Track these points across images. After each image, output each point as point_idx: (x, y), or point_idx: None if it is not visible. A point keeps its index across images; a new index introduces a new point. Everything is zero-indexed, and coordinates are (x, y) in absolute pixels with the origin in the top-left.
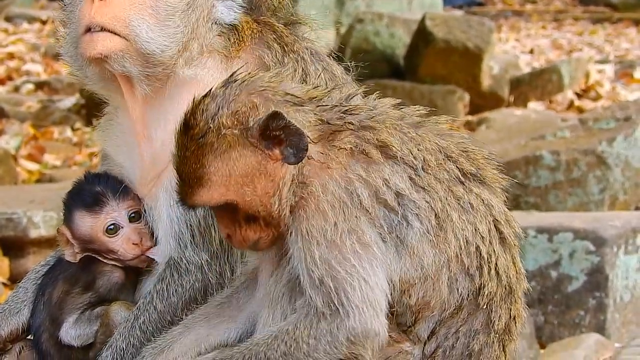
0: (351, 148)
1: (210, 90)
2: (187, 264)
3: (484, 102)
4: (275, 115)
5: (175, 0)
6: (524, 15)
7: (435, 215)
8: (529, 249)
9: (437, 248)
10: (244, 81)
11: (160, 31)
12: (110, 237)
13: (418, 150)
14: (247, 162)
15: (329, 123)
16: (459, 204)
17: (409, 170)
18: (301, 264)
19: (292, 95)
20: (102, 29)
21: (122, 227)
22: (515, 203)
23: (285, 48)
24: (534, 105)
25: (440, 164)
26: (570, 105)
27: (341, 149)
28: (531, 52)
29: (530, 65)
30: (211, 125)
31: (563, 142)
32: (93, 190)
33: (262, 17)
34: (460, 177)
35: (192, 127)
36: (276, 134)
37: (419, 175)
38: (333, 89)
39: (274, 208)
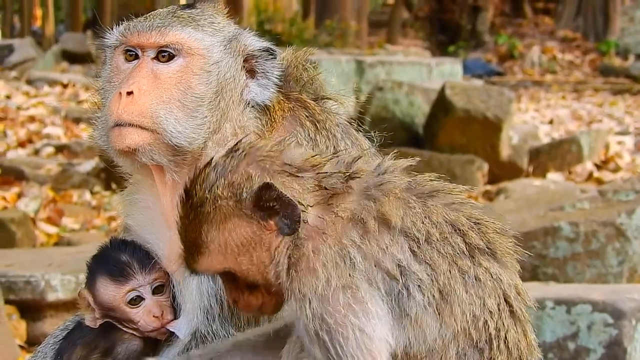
0: (348, 216)
1: (211, 159)
2: (213, 337)
3: (502, 172)
4: (267, 187)
5: (202, 91)
6: (543, 85)
7: (439, 288)
8: (547, 320)
9: (442, 321)
10: (244, 151)
11: (188, 123)
12: (131, 308)
13: (422, 223)
14: (243, 233)
15: (327, 189)
16: (463, 278)
17: (410, 242)
18: (298, 322)
19: (290, 165)
20: (129, 124)
21: (144, 299)
22: (533, 274)
23: (318, 125)
24: (553, 176)
25: (446, 237)
26: (590, 176)
27: (338, 216)
28: (551, 122)
29: (549, 135)
30: (208, 196)
31: (582, 213)
32: (119, 259)
33: (292, 93)
34: (466, 251)
35: (191, 196)
36: (270, 205)
37: (420, 248)
38: (337, 154)
39: (271, 276)
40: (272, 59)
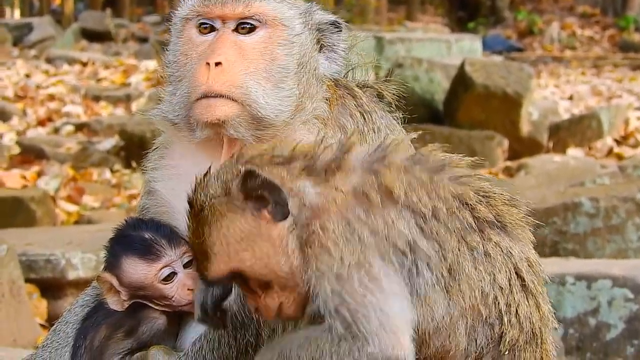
0: (349, 190)
1: (210, 169)
2: (244, 317)
3: (522, 148)
4: (249, 174)
5: (287, 62)
6: (563, 61)
7: (447, 266)
8: (568, 296)
9: (450, 299)
10: (240, 155)
11: (275, 95)
12: (165, 285)
13: (429, 198)
14: (240, 227)
15: (320, 170)
16: (472, 254)
17: (417, 218)
18: (317, 298)
19: (278, 156)
20: (219, 95)
21: (177, 274)
22: (553, 249)
23: (365, 117)
24: (573, 151)
25: (453, 212)
26: (610, 152)
27: (339, 190)
28: (570, 98)
29: (569, 111)
30: (205, 199)
31: (602, 189)
32: (143, 237)
33: (342, 80)
34: (475, 225)
35: (193, 206)
36: (259, 194)
37: (427, 224)
38: (326, 143)
39: (283, 268)
40: (337, 32)
